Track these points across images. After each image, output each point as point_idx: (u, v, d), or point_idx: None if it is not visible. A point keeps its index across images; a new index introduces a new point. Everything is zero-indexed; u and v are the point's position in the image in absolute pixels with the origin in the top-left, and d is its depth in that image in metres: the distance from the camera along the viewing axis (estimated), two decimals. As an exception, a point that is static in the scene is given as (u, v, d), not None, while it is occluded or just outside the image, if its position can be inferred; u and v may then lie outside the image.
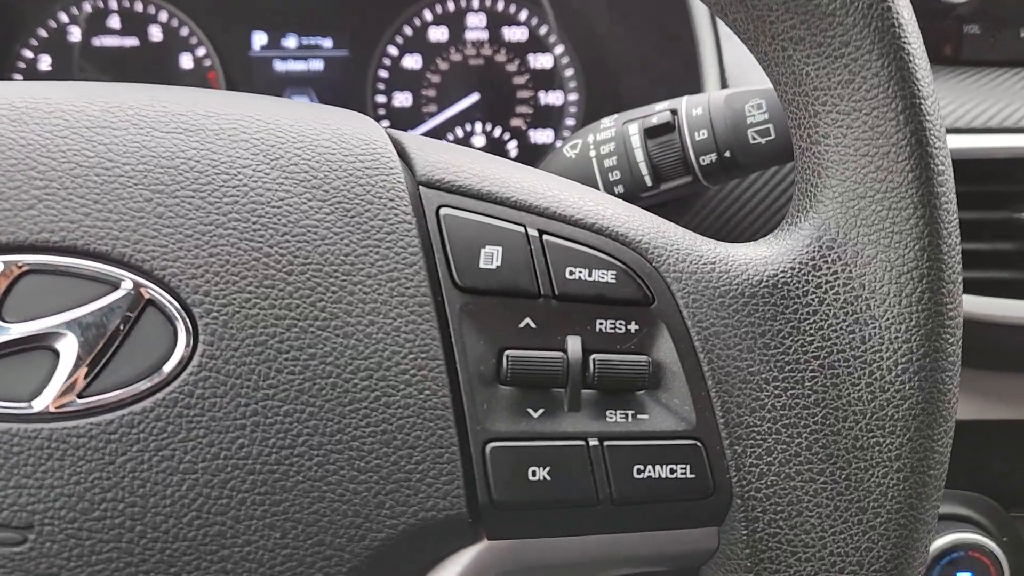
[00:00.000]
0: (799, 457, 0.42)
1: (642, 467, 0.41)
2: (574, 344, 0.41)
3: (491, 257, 0.42)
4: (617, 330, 0.42)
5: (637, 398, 0.42)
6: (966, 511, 0.77)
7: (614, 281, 0.42)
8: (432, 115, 0.99)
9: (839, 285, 0.42)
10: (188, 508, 0.38)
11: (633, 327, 0.42)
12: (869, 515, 0.42)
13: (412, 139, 0.45)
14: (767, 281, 0.43)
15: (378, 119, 0.98)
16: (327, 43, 0.98)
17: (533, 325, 0.42)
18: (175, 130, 0.41)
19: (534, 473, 0.40)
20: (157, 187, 0.40)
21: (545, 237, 0.42)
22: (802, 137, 0.45)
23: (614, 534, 0.42)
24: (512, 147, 0.99)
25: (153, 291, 0.38)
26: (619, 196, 0.63)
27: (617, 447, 0.41)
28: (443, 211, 0.42)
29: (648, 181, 0.63)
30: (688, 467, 0.41)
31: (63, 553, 0.37)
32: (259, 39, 0.97)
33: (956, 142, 0.73)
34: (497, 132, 0.99)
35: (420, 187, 0.42)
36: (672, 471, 0.41)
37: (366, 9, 0.97)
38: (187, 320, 0.38)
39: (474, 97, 0.99)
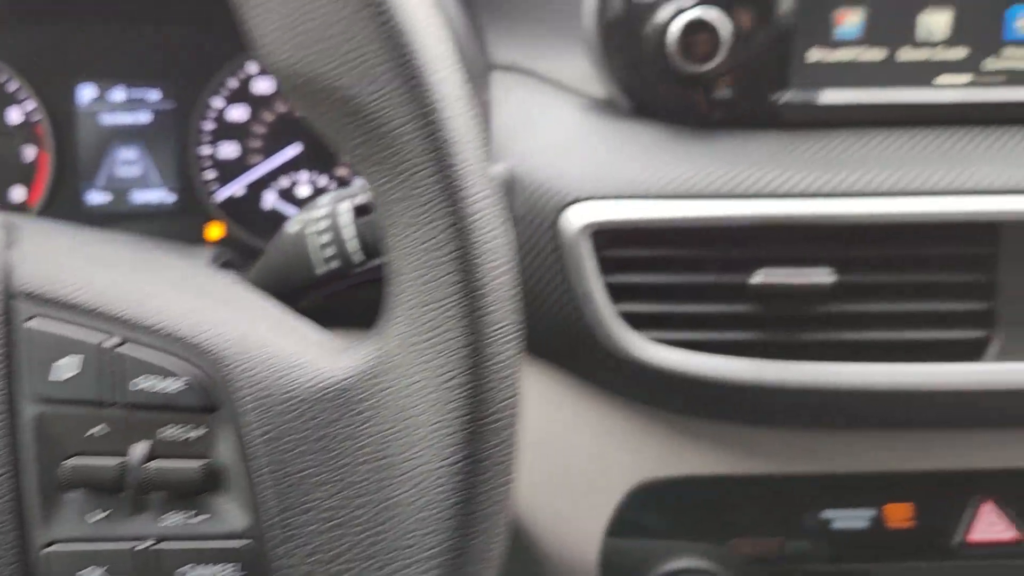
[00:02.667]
0: (345, 555, 0.45)
1: (193, 567, 0.44)
2: (136, 450, 0.44)
3: (67, 368, 0.45)
4: (180, 436, 0.45)
5: (201, 500, 0.45)
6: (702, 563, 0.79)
7: (184, 388, 0.45)
8: (256, 165, 1.01)
9: (394, 392, 0.45)
10: None
11: (198, 433, 0.45)
12: None
13: (25, 245, 0.48)
14: (332, 387, 0.46)
15: (203, 170, 1.01)
16: (155, 95, 1.00)
17: (104, 432, 0.45)
18: None
19: (91, 573, 0.43)
20: None
21: (119, 349, 0.45)
22: (383, 246, 0.47)
23: None
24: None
25: None
26: (335, 272, 0.65)
27: (166, 549, 0.44)
28: (28, 324, 0.45)
29: (356, 258, 0.65)
30: (239, 566, 0.44)
31: None
32: (87, 92, 1.00)
33: (694, 209, 0.75)
34: (323, 181, 1.02)
35: (11, 300, 0.45)
36: (223, 570, 0.44)
37: (189, 60, 1.00)
38: None
39: (297, 148, 1.01)
